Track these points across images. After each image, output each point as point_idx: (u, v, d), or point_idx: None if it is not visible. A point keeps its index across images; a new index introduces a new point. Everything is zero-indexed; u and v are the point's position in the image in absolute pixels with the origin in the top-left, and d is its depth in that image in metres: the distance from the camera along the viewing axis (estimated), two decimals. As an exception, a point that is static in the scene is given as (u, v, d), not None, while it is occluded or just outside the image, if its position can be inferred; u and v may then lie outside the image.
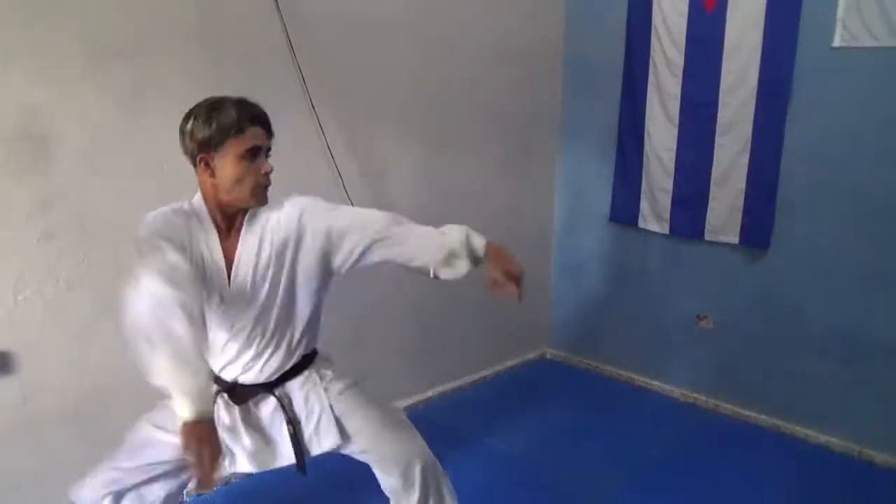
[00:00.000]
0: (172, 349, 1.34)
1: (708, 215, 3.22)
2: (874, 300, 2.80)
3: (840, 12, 2.71)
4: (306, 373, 1.78)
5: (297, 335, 1.73)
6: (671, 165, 3.31)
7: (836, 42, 2.74)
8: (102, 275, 2.10)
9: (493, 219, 3.53)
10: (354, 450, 1.78)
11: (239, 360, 1.68)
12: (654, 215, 3.43)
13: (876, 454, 2.84)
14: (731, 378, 3.29)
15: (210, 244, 1.61)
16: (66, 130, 2.03)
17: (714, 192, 3.18)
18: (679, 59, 3.19)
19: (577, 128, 3.75)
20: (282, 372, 1.73)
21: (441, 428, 3.11)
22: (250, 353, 1.67)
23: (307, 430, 1.74)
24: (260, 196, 1.62)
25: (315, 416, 1.74)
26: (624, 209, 3.56)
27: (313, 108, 2.63)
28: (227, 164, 1.55)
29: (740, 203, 3.11)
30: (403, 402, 3.26)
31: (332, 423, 1.73)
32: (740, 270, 3.18)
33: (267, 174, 1.62)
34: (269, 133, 1.62)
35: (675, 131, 3.26)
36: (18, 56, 1.92)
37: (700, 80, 3.13)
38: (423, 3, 2.98)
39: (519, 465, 2.79)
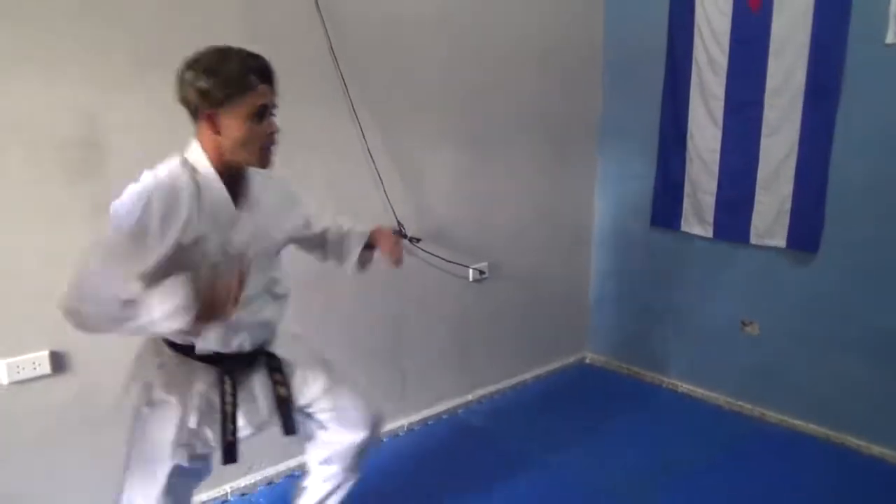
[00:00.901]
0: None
1: (754, 218, 3.15)
2: (930, 306, 2.70)
3: (893, 7, 2.62)
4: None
5: (280, 289, 1.75)
6: (715, 167, 3.25)
7: (890, 39, 2.65)
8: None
9: (531, 221, 3.52)
10: (327, 403, 1.83)
11: (247, 316, 1.61)
12: (698, 218, 3.37)
13: (933, 466, 2.74)
14: (777, 385, 3.20)
15: (223, 204, 1.53)
16: (117, 137, 2.09)
17: (760, 194, 3.11)
18: (723, 59, 3.13)
19: (618, 129, 3.71)
20: (274, 327, 1.75)
21: (481, 432, 3.11)
22: (255, 305, 1.63)
23: (294, 382, 1.77)
24: (266, 159, 1.55)
25: (301, 365, 1.79)
26: (666, 212, 3.51)
27: (354, 112, 2.66)
28: (233, 124, 1.46)
29: (787, 206, 3.03)
30: (443, 406, 3.28)
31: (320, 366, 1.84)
32: (787, 275, 3.10)
33: (273, 134, 1.54)
34: (275, 89, 1.54)
35: (719, 133, 3.20)
36: (71, 64, 1.99)
37: (745, 80, 3.07)
38: (461, 3, 3.00)
39: (559, 471, 2.77)
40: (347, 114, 2.65)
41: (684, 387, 3.58)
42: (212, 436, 1.63)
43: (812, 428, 3.08)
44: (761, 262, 3.18)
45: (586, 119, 3.74)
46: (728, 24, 3.10)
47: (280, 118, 1.60)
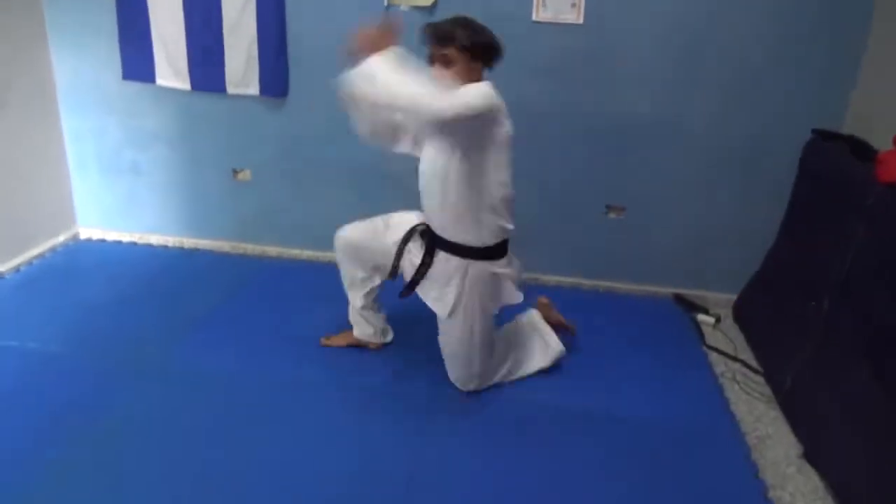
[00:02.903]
0: None
1: (227, 68, 3.20)
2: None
3: None
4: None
5: None
6: (180, 16, 3.13)
7: None
8: None
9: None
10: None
11: None
12: (173, 70, 3.25)
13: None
14: (272, 223, 3.53)
15: None
16: None
17: (229, 43, 3.15)
18: None
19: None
20: None
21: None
22: None
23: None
24: None
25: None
26: (138, 66, 3.28)
27: None
28: None
29: (255, 54, 3.15)
30: None
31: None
32: (266, 120, 3.31)
33: None
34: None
35: (177, -19, 3.06)
36: None
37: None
38: None
39: (57, 359, 2.55)
40: None
41: (189, 242, 3.64)
42: None
43: (307, 254, 3.54)
44: (241, 110, 3.31)
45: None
46: None
47: None
